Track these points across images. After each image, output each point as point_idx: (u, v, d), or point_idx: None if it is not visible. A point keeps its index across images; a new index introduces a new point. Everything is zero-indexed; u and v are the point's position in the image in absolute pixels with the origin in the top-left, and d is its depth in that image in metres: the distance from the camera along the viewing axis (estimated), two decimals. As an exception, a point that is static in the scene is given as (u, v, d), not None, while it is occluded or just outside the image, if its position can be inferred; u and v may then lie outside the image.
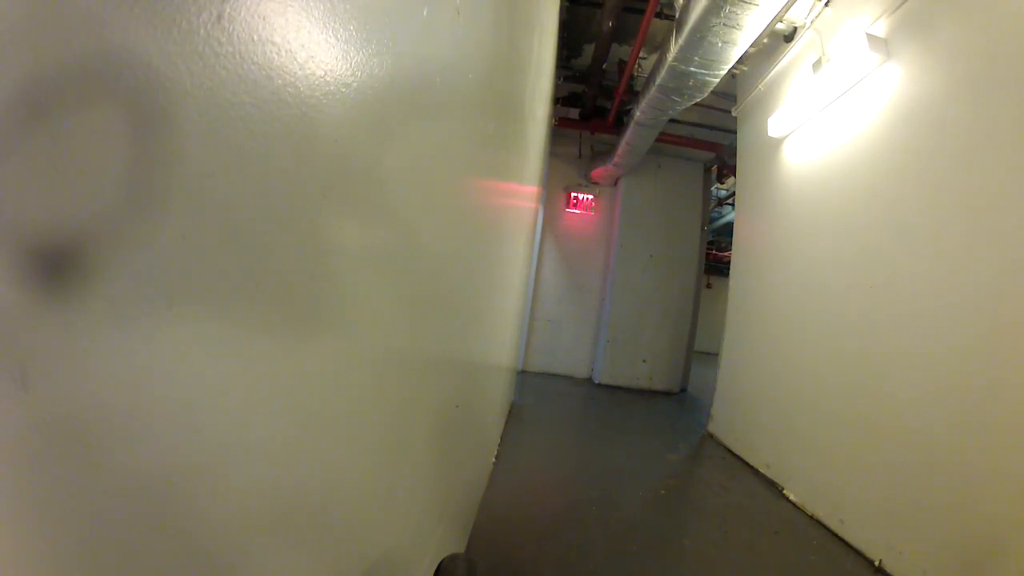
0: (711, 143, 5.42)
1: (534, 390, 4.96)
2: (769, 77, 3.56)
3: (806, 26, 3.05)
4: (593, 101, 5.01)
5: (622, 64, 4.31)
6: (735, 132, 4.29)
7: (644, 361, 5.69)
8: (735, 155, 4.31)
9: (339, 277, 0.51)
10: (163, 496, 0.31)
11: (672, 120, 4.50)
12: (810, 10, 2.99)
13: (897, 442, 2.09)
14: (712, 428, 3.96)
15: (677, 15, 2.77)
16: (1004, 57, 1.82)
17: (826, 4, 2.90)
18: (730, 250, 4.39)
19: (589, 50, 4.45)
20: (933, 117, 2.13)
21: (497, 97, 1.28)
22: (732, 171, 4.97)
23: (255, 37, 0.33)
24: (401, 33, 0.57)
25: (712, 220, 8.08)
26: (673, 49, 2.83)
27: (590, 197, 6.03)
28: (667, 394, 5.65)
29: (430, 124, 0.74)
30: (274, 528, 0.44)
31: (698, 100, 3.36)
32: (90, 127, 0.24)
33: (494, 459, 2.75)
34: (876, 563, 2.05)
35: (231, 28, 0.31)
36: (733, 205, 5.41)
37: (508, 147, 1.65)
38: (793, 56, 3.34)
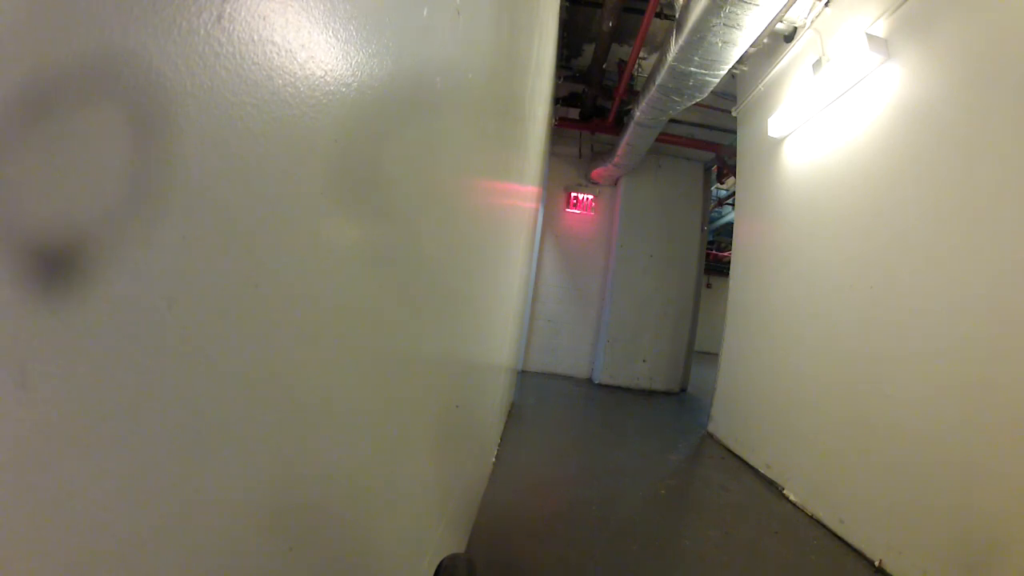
0: (711, 143, 5.42)
1: (534, 390, 4.96)
2: (769, 77, 3.56)
3: (806, 26, 3.06)
4: (593, 101, 5.01)
5: (622, 64, 4.31)
6: (735, 132, 4.30)
7: (644, 361, 5.69)
8: (735, 155, 4.32)
9: (339, 277, 0.51)
10: (163, 496, 0.31)
11: (672, 120, 4.50)
12: (810, 10, 3.00)
13: (897, 442, 2.09)
14: (712, 428, 3.96)
15: (677, 15, 2.77)
16: (1004, 57, 1.82)
17: (826, 4, 2.90)
18: (730, 250, 4.40)
19: (589, 50, 4.45)
20: (933, 117, 2.13)
21: (497, 97, 1.28)
22: (732, 171, 4.97)
23: (255, 37, 0.33)
24: (401, 33, 0.57)
25: (712, 220, 8.08)
26: (673, 49, 2.84)
27: (590, 197, 6.03)
28: (667, 394, 5.66)
29: (430, 124, 0.74)
30: (274, 528, 0.44)
31: (698, 100, 3.36)
32: (90, 127, 0.24)
33: (494, 459, 2.75)
34: (876, 563, 2.05)
35: (231, 28, 0.31)
36: (733, 205, 5.41)
37: (508, 147, 1.65)
38: (793, 56, 3.34)
